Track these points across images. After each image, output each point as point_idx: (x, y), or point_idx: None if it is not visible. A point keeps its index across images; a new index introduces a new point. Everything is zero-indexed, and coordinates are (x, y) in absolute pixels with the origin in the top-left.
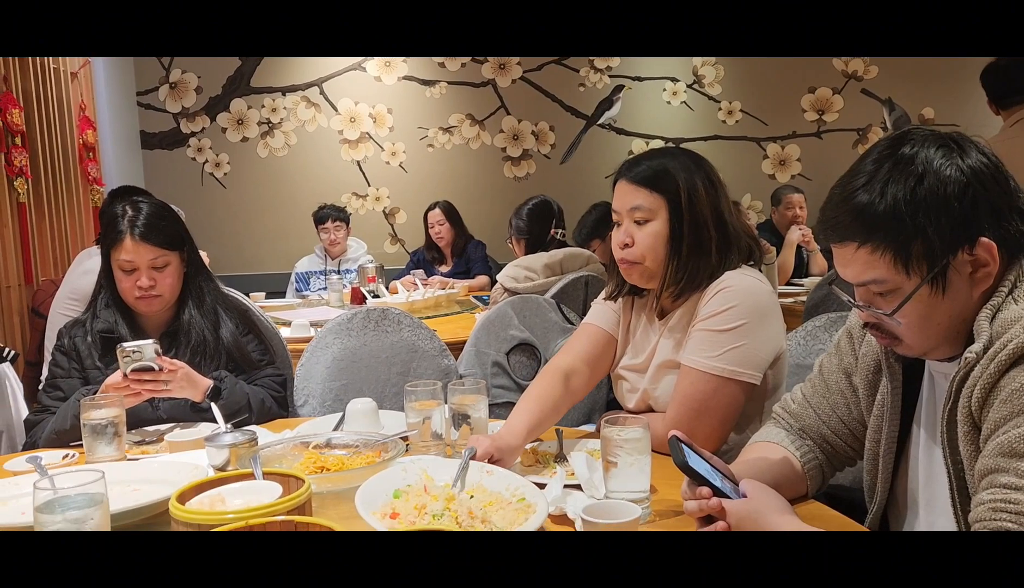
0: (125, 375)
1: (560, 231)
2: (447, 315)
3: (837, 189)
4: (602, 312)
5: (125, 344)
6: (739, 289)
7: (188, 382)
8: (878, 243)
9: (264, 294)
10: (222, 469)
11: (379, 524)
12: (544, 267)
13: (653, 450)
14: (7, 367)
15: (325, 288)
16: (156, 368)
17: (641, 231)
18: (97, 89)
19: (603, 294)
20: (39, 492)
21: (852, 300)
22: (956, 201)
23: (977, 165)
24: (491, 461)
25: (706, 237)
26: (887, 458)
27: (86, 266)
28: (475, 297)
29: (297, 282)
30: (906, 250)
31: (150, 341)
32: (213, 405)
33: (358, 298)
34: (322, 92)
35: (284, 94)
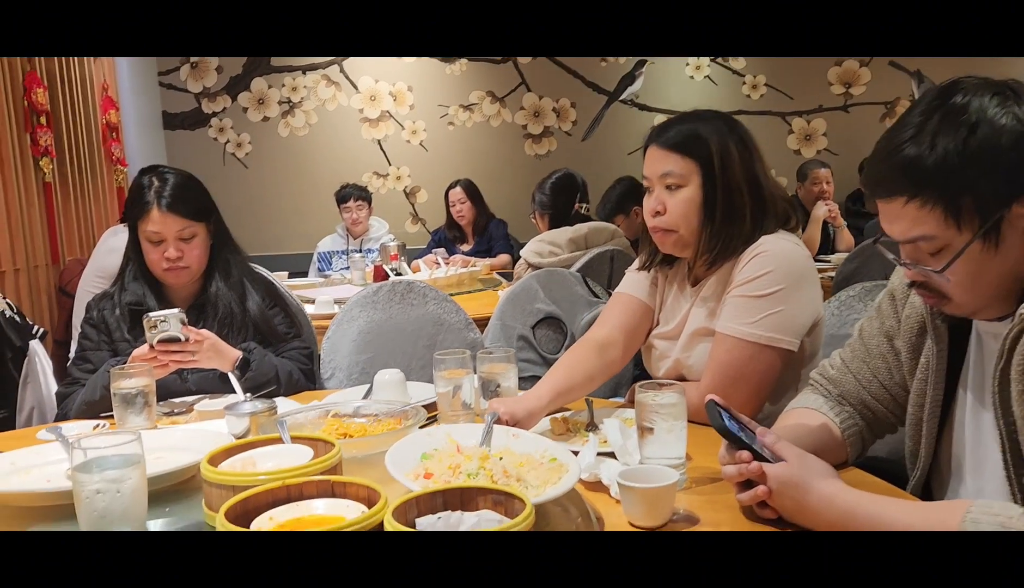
0: (152, 346)
1: (584, 205)
2: (470, 293)
3: (883, 142)
4: (635, 281)
5: (151, 314)
6: (776, 253)
7: (215, 353)
8: (927, 198)
9: (287, 274)
10: (242, 437)
11: (413, 484)
12: (569, 241)
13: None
14: (37, 344)
15: (347, 267)
16: (182, 339)
17: (673, 197)
18: (119, 69)
19: (636, 264)
20: (76, 452)
21: (898, 258)
22: (1012, 151)
23: None
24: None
25: (740, 202)
26: (931, 423)
27: (111, 244)
28: (498, 273)
29: (319, 262)
30: (957, 204)
31: (175, 310)
32: (231, 375)
33: (381, 277)
34: (342, 70)
35: (304, 73)
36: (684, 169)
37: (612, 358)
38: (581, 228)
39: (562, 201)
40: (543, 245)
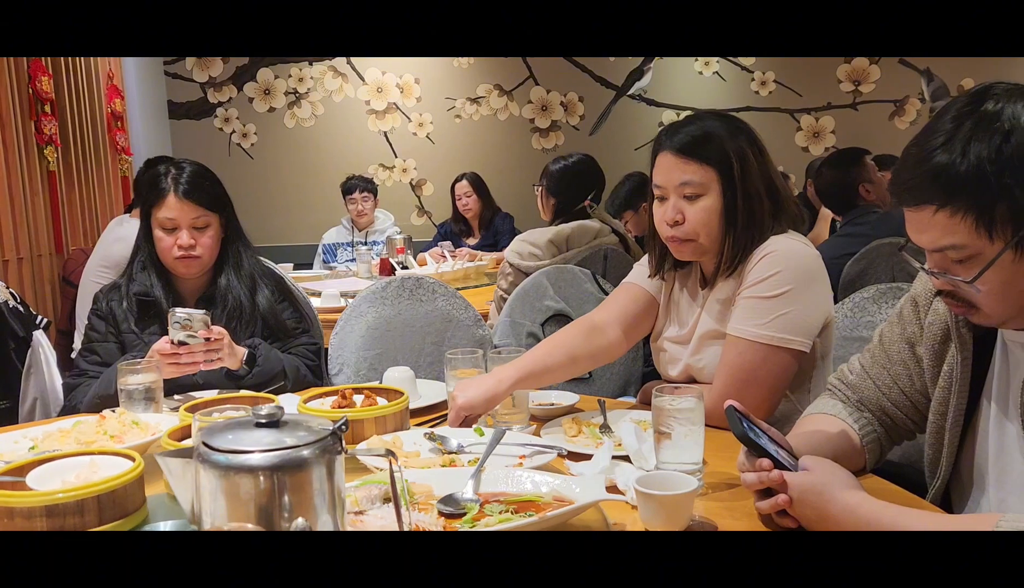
0: (172, 342)
1: (593, 205)
2: (476, 287)
3: (913, 149)
4: (644, 273)
5: (177, 310)
6: (784, 254)
7: (230, 350)
8: (959, 206)
9: (292, 265)
10: None
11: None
12: (548, 244)
13: None
14: (40, 334)
15: (353, 260)
16: (201, 340)
17: (692, 207)
18: (125, 58)
19: (645, 270)
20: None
21: (924, 267)
22: None
23: None
24: (464, 420)
25: (760, 208)
26: (953, 432)
27: (117, 233)
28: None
29: (324, 254)
30: (989, 213)
31: (201, 312)
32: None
33: (387, 269)
34: (349, 62)
35: (311, 64)
36: (703, 178)
37: (604, 342)
38: (564, 229)
39: (572, 192)
40: (524, 245)
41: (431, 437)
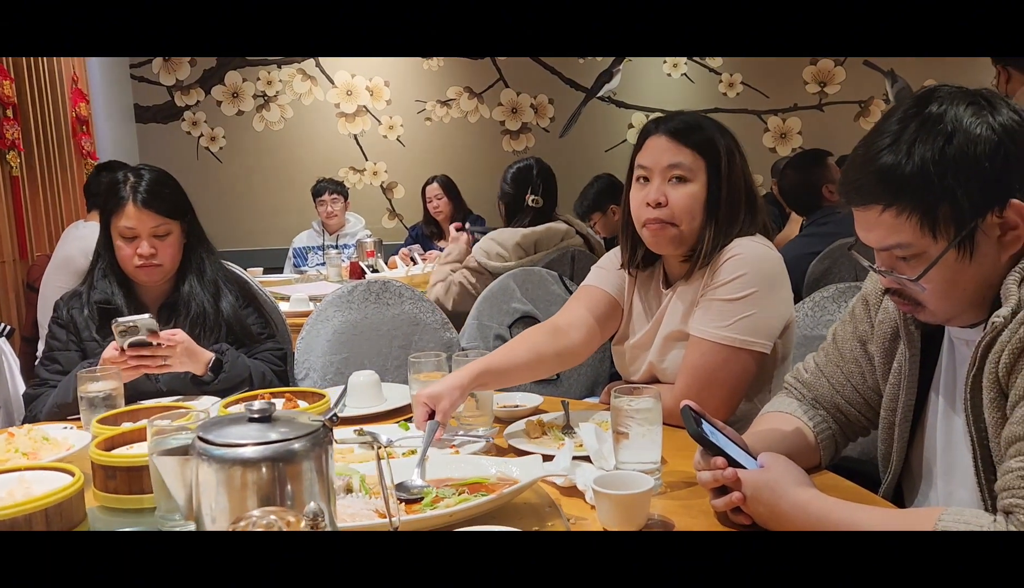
0: (122, 349)
1: (534, 197)
2: None
3: (860, 150)
4: (605, 276)
5: (120, 319)
6: (749, 257)
7: (188, 355)
8: (904, 206)
9: (262, 269)
10: None
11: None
12: (516, 246)
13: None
14: (3, 342)
15: (323, 263)
16: (151, 344)
17: (677, 191)
18: (89, 61)
19: (606, 261)
20: None
21: (873, 266)
22: (987, 161)
23: (1009, 123)
24: (430, 415)
25: (738, 207)
26: (903, 427)
27: (76, 233)
28: None
29: (295, 257)
30: (933, 213)
31: (146, 315)
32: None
33: (357, 273)
34: (318, 65)
35: (279, 67)
36: (693, 163)
37: (568, 343)
38: (533, 233)
39: (514, 191)
40: (492, 245)
41: (360, 433)
